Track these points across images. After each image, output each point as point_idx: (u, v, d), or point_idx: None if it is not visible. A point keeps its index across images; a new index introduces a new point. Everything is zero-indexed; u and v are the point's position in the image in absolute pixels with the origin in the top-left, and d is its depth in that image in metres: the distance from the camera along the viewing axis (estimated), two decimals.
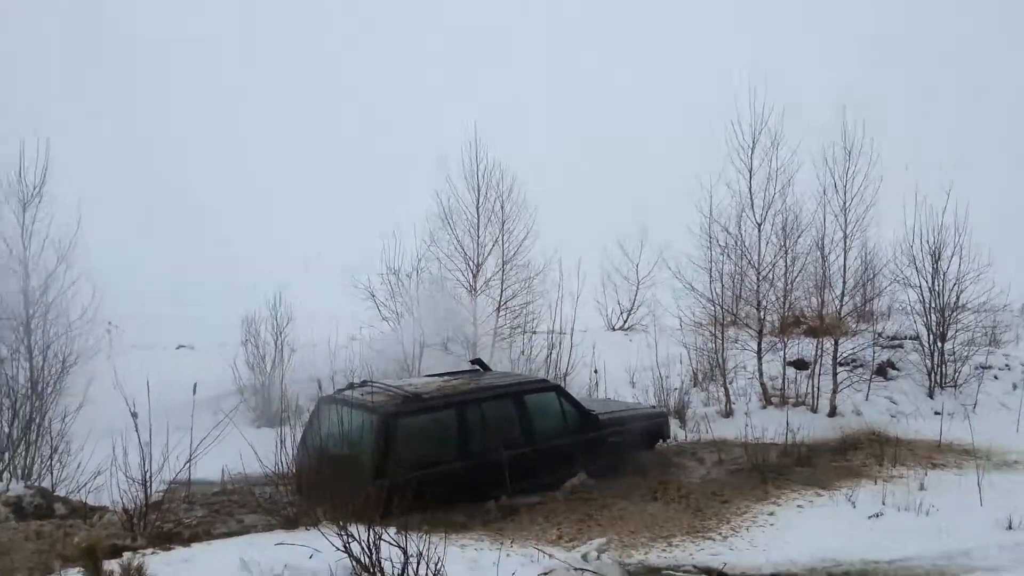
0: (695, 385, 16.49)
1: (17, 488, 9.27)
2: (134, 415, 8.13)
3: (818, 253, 15.32)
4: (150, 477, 8.00)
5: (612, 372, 16.43)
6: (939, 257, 15.94)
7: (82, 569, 4.70)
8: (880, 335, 17.13)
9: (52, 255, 13.21)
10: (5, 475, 10.33)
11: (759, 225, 15.38)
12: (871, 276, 17.45)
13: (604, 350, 17.11)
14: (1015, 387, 15.60)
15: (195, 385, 8.89)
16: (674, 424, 13.44)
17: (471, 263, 16.84)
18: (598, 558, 7.25)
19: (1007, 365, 16.41)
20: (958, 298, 15.89)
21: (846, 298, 15.49)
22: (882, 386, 15.74)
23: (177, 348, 22.34)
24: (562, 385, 12.69)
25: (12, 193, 13.34)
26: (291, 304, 16.68)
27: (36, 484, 9.91)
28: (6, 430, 10.92)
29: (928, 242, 15.95)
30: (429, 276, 16.74)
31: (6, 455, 10.63)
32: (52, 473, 10.54)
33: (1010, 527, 8.01)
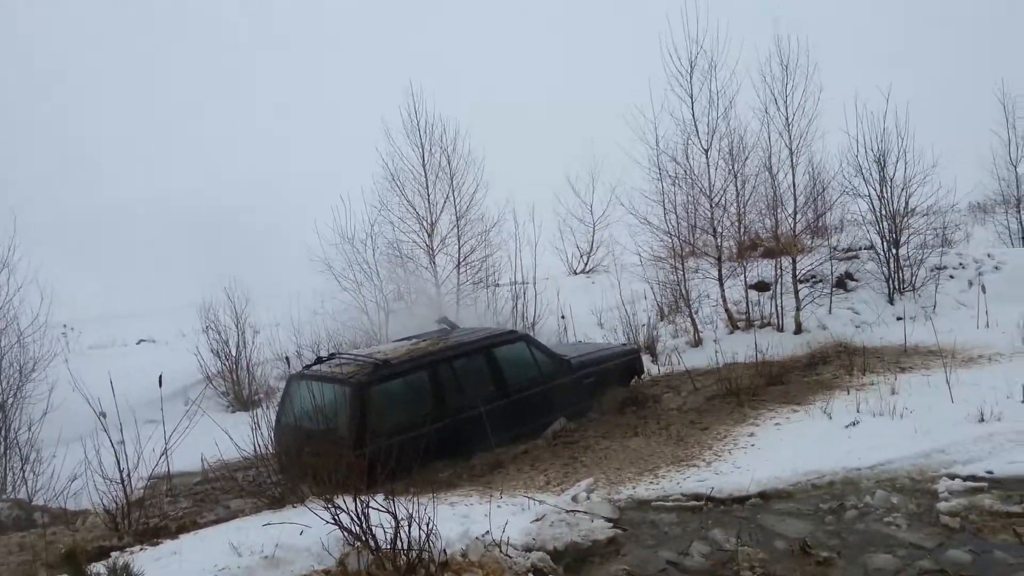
0: (662, 319, 16.63)
1: None
2: (102, 415, 7.97)
3: (767, 173, 15.41)
4: (127, 475, 7.87)
5: (579, 316, 16.50)
6: (884, 164, 16.10)
7: (66, 575, 4.58)
8: (835, 248, 17.37)
9: None
10: None
11: (706, 152, 15.40)
12: (821, 190, 17.65)
13: (569, 295, 17.17)
14: (971, 284, 15.91)
15: (160, 377, 8.71)
16: (646, 359, 13.56)
17: (425, 223, 16.64)
18: (588, 498, 7.31)
19: (961, 264, 16.71)
20: (907, 203, 16.12)
21: (799, 215, 15.63)
22: (843, 298, 16.01)
23: (138, 343, 21.95)
24: (531, 334, 12.69)
25: None
26: (248, 286, 16.38)
27: (12, 496, 9.72)
28: None
29: (872, 150, 16.11)
30: (384, 241, 16.51)
31: None
32: (27, 483, 10.33)
33: (982, 419, 8.18)
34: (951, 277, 16.25)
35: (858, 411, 9.06)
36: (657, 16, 15.45)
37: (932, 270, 16.09)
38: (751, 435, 8.95)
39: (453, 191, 16.75)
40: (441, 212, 16.77)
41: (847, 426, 8.66)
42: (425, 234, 16.63)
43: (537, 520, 6.78)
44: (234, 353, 15.75)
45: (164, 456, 8.13)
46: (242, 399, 15.19)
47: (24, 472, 10.47)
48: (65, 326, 17.01)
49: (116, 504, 7.80)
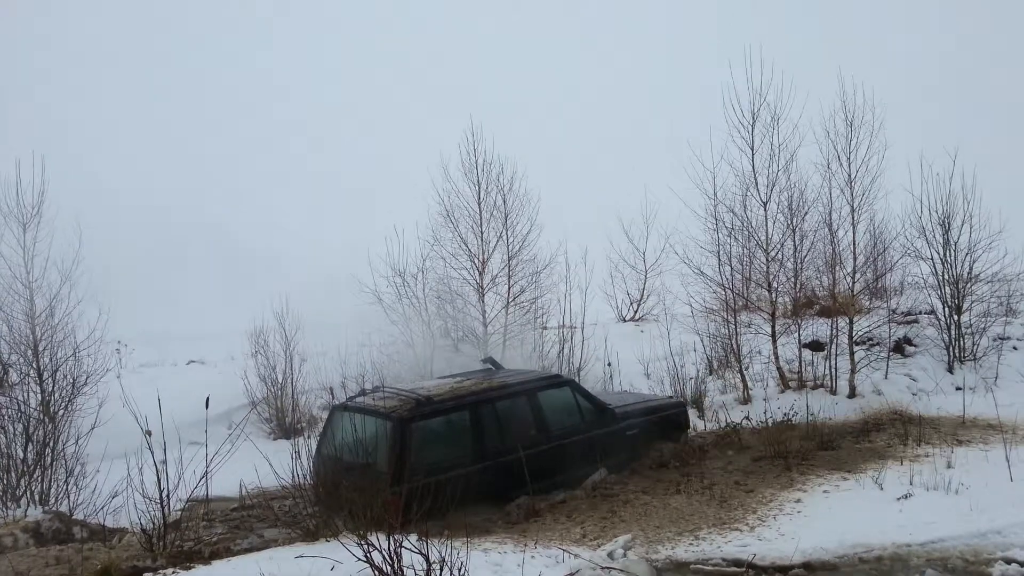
0: (711, 373, 16.33)
1: (35, 513, 9.22)
2: (148, 434, 8.04)
3: (826, 230, 15.12)
4: (167, 496, 7.92)
5: (626, 364, 16.30)
6: (949, 227, 15.71)
7: None
8: (895, 311, 16.94)
9: (56, 275, 13.08)
10: (23, 501, 10.25)
11: (765, 204, 15.18)
12: (881, 250, 17.28)
13: (616, 342, 16.99)
14: None
15: (207, 399, 8.77)
16: (692, 414, 13.28)
17: (476, 260, 16.65)
18: (624, 555, 7.14)
19: None
20: (971, 268, 15.67)
21: (858, 275, 15.29)
22: (900, 363, 15.56)
23: (188, 364, 22.28)
24: (576, 380, 12.56)
25: (11, 214, 13.21)
26: (299, 313, 16.51)
27: (53, 509, 9.84)
28: (21, 455, 10.82)
29: (937, 212, 15.72)
30: (435, 276, 16.55)
31: (22, 481, 10.54)
32: (69, 497, 10.44)
33: None
34: (1015, 348, 15.72)
35: (911, 483, 8.76)
36: (726, 66, 15.32)
37: (995, 340, 15.59)
38: (798, 501, 8.70)
39: (507, 230, 16.75)
40: (493, 251, 16.77)
41: (899, 498, 8.37)
42: (476, 272, 16.64)
43: (571, 574, 6.64)
44: (280, 380, 15.86)
45: (204, 479, 8.16)
46: (285, 426, 15.27)
47: (68, 485, 10.59)
48: (119, 342, 17.32)
49: (153, 524, 7.85)
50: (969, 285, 15.77)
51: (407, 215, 16.71)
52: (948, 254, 15.79)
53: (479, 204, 16.71)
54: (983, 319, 15.64)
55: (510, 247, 16.72)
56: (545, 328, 16.72)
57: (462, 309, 16.50)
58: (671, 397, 13.36)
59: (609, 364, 15.92)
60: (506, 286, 16.63)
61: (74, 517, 9.49)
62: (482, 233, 16.72)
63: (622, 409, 10.99)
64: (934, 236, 15.81)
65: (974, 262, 15.62)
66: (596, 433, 10.39)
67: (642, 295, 25.83)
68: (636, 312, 25.70)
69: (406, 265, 16.17)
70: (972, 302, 15.77)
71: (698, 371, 15.59)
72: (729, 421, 12.60)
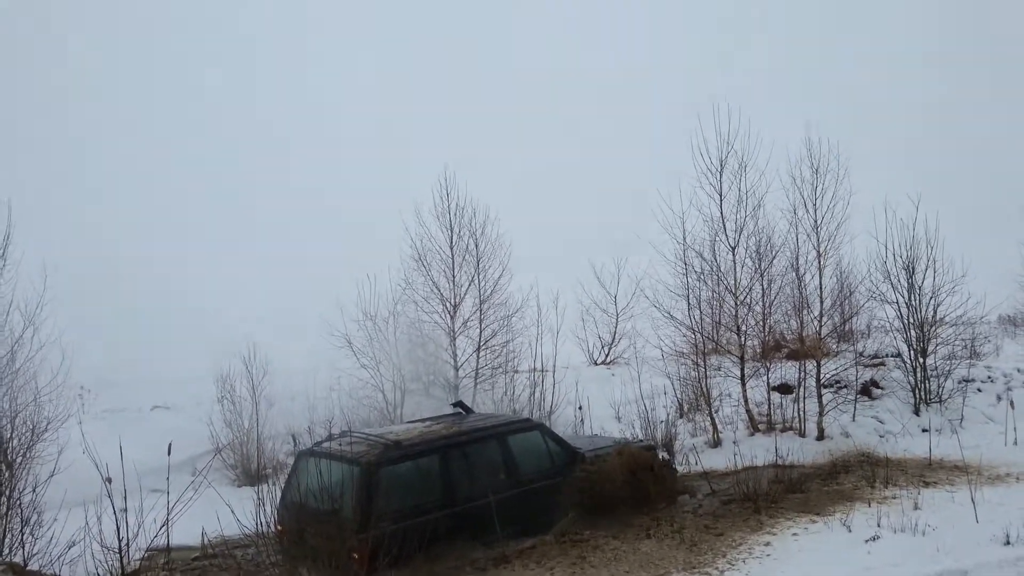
0: (681, 416, 16.35)
1: None
2: (107, 481, 7.87)
3: (793, 274, 15.31)
4: (126, 545, 7.72)
5: (597, 407, 16.28)
6: (913, 271, 15.97)
7: None
8: (861, 354, 17.10)
9: (18, 319, 12.84)
10: None
11: (733, 249, 15.36)
12: (848, 294, 17.49)
13: (587, 386, 16.98)
14: (999, 399, 15.56)
15: (170, 445, 8.61)
16: (662, 457, 13.23)
17: (448, 304, 16.61)
18: None
19: (989, 377, 16.40)
20: (935, 312, 15.91)
21: (825, 318, 15.46)
22: (868, 406, 15.68)
23: (152, 409, 21.84)
24: (547, 424, 12.50)
25: None
26: (267, 357, 16.32)
27: (7, 559, 9.55)
28: None
29: (901, 256, 15.99)
30: (406, 320, 16.48)
31: None
32: (24, 547, 10.11)
33: (1008, 542, 7.91)
34: (979, 390, 15.91)
35: (879, 525, 8.79)
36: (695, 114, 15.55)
37: (960, 382, 15.79)
38: (767, 544, 8.68)
39: (478, 274, 16.77)
40: (465, 294, 16.75)
41: (867, 540, 8.39)
42: (448, 315, 16.60)
43: None
44: (246, 425, 15.61)
45: (165, 528, 7.97)
46: (250, 473, 14.99)
47: (23, 535, 10.27)
48: (83, 387, 17.01)
49: (111, 575, 7.64)
50: (934, 328, 16.00)
51: (379, 259, 16.68)
52: (913, 298, 16.03)
53: (451, 248, 16.74)
54: (948, 362, 15.85)
55: (482, 291, 16.72)
56: (516, 372, 16.66)
57: (433, 353, 16.41)
58: (641, 440, 13.31)
59: (580, 408, 15.88)
60: (477, 330, 16.60)
61: (29, 568, 9.20)
62: (454, 277, 16.72)
63: (592, 453, 10.93)
64: (899, 280, 16.08)
65: (938, 306, 15.87)
66: (566, 477, 10.32)
67: (613, 339, 25.89)
68: (607, 356, 25.72)
69: (377, 309, 16.12)
70: (937, 345, 15.98)
71: (668, 414, 15.61)
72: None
